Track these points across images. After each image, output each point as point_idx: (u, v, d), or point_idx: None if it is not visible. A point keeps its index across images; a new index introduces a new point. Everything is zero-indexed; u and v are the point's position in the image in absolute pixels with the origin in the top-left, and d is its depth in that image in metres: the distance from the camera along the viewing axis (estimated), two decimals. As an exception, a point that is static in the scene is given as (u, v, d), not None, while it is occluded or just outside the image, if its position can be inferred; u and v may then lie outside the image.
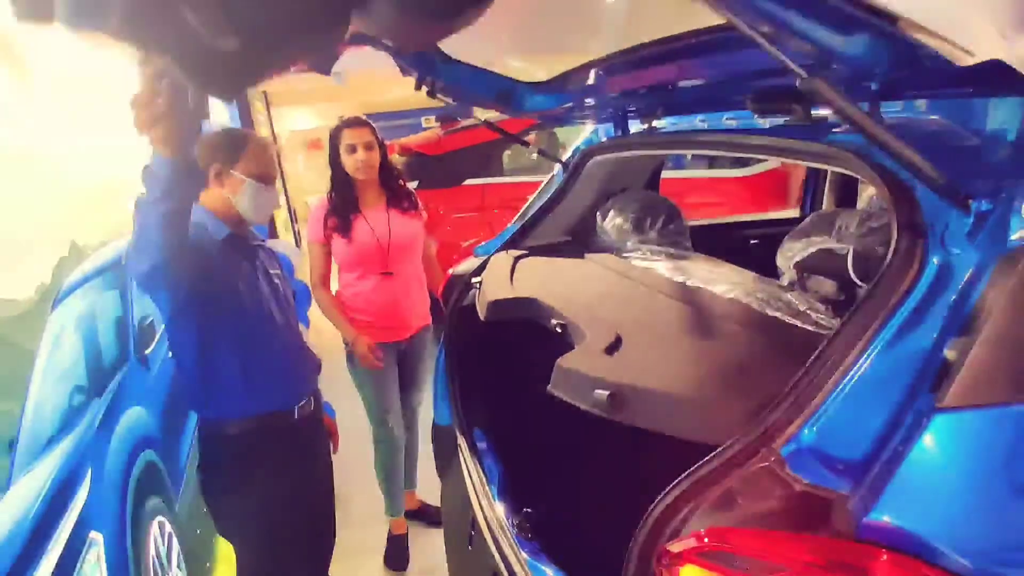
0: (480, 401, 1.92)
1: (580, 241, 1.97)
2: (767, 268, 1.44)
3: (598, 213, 1.89)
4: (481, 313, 1.61)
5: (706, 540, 0.71)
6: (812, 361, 0.81)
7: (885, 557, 0.61)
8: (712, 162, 5.18)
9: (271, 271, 1.74)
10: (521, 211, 2.09)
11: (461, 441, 1.79)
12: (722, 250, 1.70)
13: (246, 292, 1.60)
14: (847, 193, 2.56)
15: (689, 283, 1.39)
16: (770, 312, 1.13)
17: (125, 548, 1.57)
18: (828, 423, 0.77)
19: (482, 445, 1.78)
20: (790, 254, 1.15)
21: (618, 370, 1.02)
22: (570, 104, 1.68)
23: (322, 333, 5.22)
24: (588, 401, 1.01)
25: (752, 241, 2.50)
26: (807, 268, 1.14)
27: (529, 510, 1.50)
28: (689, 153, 4.96)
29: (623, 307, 1.32)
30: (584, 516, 1.72)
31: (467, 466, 1.71)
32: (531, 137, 5.37)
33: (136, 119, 1.19)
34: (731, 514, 0.75)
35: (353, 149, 2.23)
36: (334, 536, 1.85)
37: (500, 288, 1.62)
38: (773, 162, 5.01)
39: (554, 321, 1.37)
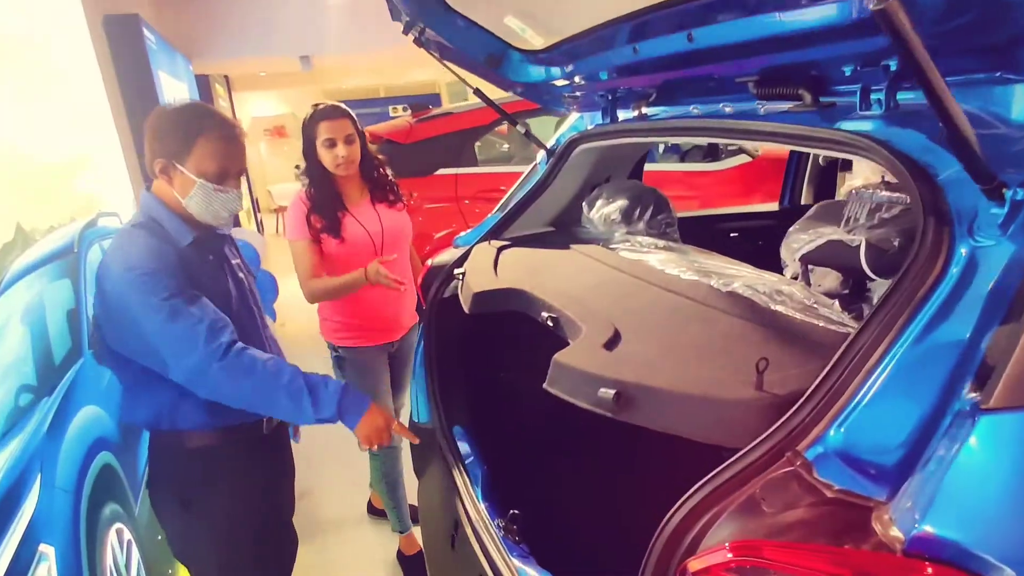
0: (461, 397, 1.85)
1: (564, 232, 1.91)
2: (750, 261, 1.40)
3: (584, 203, 1.83)
4: (465, 305, 1.54)
5: (732, 555, 0.66)
6: (838, 358, 0.77)
7: (930, 571, 0.56)
8: (684, 156, 5.18)
9: (239, 272, 1.55)
10: (503, 200, 2.02)
11: (441, 439, 1.72)
12: (703, 243, 1.66)
13: (215, 299, 1.39)
14: (826, 186, 2.57)
15: (684, 276, 1.34)
16: (775, 307, 1.09)
17: (79, 560, 1.45)
18: (856, 424, 0.72)
19: (463, 444, 1.71)
20: (796, 246, 1.11)
21: (621, 367, 0.96)
22: (560, 79, 1.61)
23: (285, 326, 5.08)
24: (590, 400, 0.95)
25: (732, 234, 2.48)
26: (814, 260, 1.10)
27: (516, 512, 1.44)
28: (668, 142, 4.96)
29: (618, 300, 1.26)
30: (573, 517, 1.67)
31: (448, 466, 1.64)
32: (502, 129, 5.29)
33: None
34: (756, 524, 0.69)
35: (332, 144, 2.03)
36: (295, 553, 1.72)
37: (485, 279, 1.55)
38: (744, 156, 5.04)
39: (545, 314, 1.31)
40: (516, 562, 1.29)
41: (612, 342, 1.08)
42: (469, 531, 1.45)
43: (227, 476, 1.45)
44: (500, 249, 1.75)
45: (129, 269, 1.30)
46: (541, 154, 1.96)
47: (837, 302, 1.04)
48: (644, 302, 1.24)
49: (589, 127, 1.84)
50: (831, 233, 1.03)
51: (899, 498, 0.63)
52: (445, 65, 1.69)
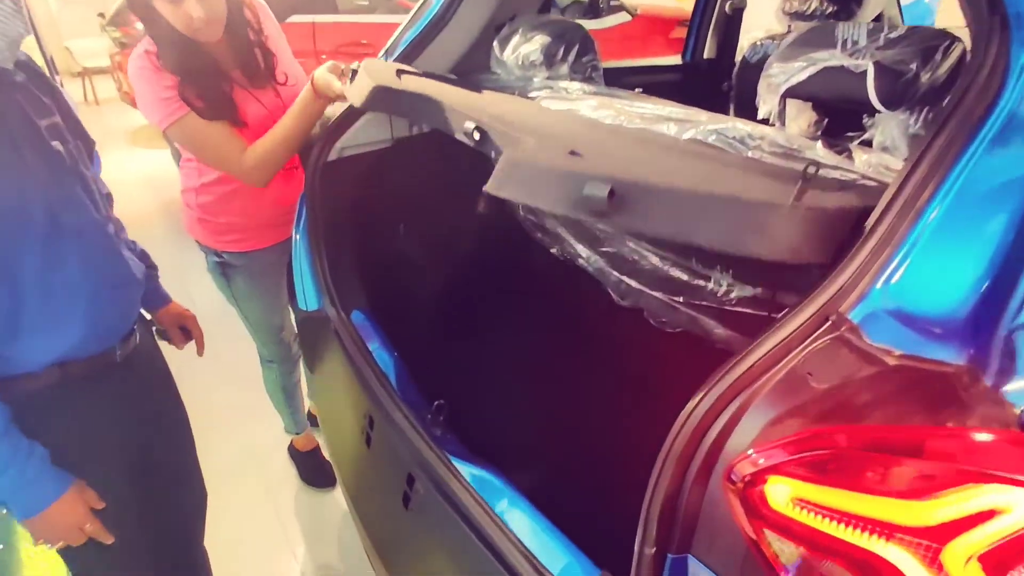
0: (357, 277, 1.60)
1: (469, 80, 1.62)
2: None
3: (495, 42, 1.54)
4: (358, 99, 1.23)
5: (795, 451, 0.53)
6: (891, 198, 0.63)
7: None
8: (563, 11, 4.84)
9: (56, 140, 1.01)
10: (390, 41, 1.66)
11: (339, 327, 1.48)
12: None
13: (17, 183, 0.92)
14: (729, 37, 2.45)
15: (628, 125, 1.15)
16: (751, 154, 0.94)
17: None
18: (911, 276, 0.60)
19: (366, 330, 1.49)
20: (782, 78, 0.94)
21: (608, 165, 0.77)
22: None
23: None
24: (567, 201, 0.75)
25: (637, 89, 2.31)
26: (803, 94, 0.95)
27: (441, 401, 1.28)
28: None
29: (566, 138, 1.04)
30: (504, 401, 1.54)
31: (351, 357, 1.42)
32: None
33: None
34: (810, 405, 0.57)
35: None
36: (204, 493, 1.40)
37: (387, 78, 1.24)
38: (624, 15, 4.81)
39: (469, 124, 1.02)
40: (448, 454, 1.14)
41: (573, 155, 0.87)
42: (386, 426, 1.27)
43: (79, 428, 1.06)
44: (400, 71, 1.43)
45: None
46: (433, -19, 1.60)
47: (819, 144, 0.91)
48: (597, 143, 1.04)
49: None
50: (828, 59, 0.88)
51: (993, 360, 0.52)
52: None
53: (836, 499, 0.49)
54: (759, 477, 0.52)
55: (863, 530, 0.47)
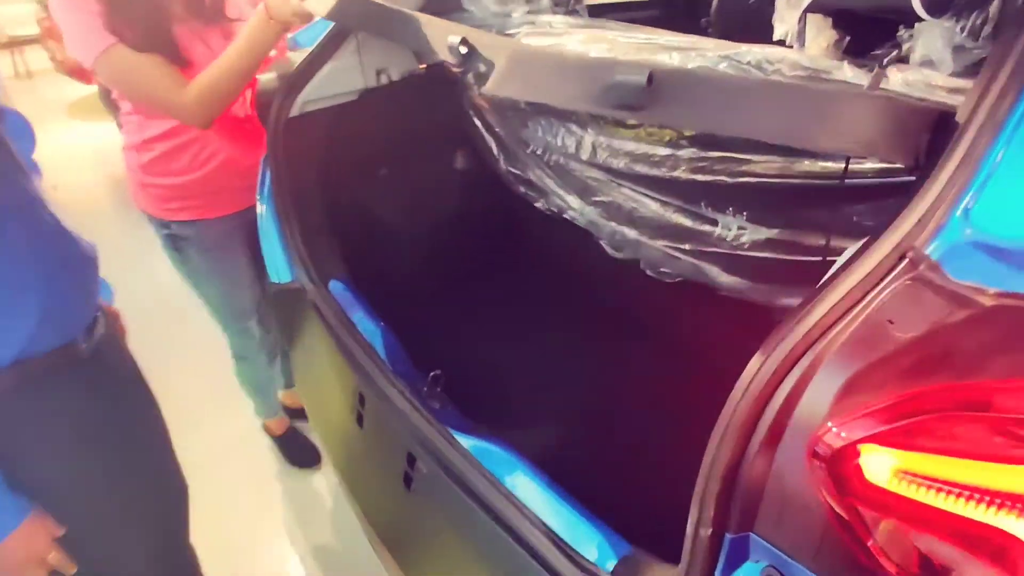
0: (332, 243, 1.48)
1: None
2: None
3: (467, -25, 1.40)
4: (322, 8, 1.10)
5: (890, 420, 0.45)
6: (966, 119, 0.54)
7: None
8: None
9: None
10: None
11: (317, 299, 1.37)
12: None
13: None
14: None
15: (625, 58, 1.04)
16: (773, 78, 0.84)
17: None
18: (991, 201, 0.52)
19: (347, 300, 1.38)
20: (807, -11, 0.84)
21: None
22: None
23: (57, 188, 4.06)
24: (590, 94, 0.66)
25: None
26: (832, 5, 0.85)
27: (437, 372, 1.19)
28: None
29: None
30: (503, 369, 1.45)
31: (333, 330, 1.32)
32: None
33: None
34: (891, 361, 0.49)
35: None
36: (185, 486, 1.25)
37: None
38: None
39: (453, 39, 0.88)
40: (450, 429, 1.06)
41: None
42: (379, 402, 1.18)
43: (44, 428, 0.94)
44: None
45: None
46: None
47: (846, 64, 0.82)
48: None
49: None
50: (862, -36, 0.78)
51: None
52: None
53: (952, 470, 0.41)
54: (851, 448, 0.45)
55: (988, 504, 0.40)
